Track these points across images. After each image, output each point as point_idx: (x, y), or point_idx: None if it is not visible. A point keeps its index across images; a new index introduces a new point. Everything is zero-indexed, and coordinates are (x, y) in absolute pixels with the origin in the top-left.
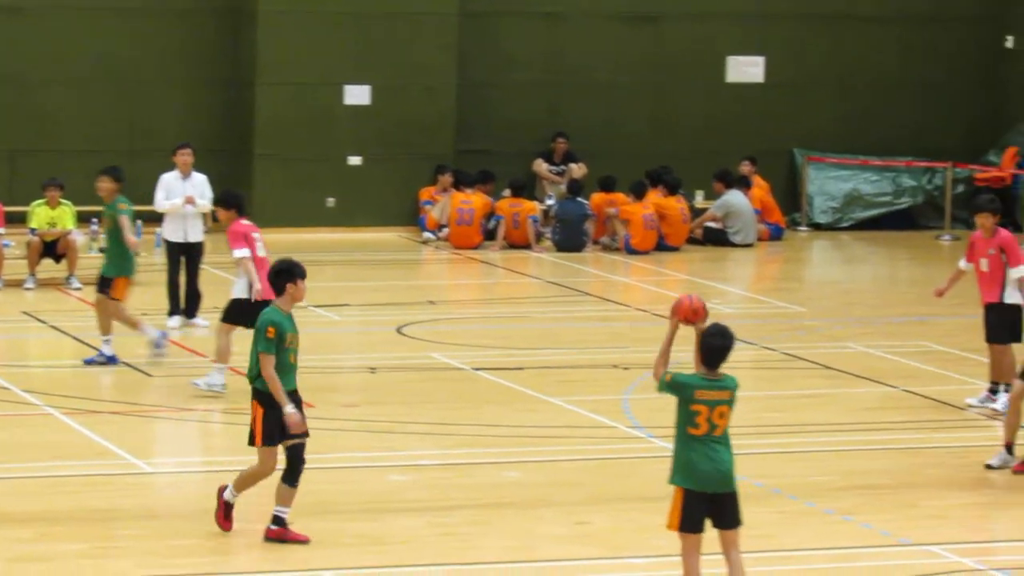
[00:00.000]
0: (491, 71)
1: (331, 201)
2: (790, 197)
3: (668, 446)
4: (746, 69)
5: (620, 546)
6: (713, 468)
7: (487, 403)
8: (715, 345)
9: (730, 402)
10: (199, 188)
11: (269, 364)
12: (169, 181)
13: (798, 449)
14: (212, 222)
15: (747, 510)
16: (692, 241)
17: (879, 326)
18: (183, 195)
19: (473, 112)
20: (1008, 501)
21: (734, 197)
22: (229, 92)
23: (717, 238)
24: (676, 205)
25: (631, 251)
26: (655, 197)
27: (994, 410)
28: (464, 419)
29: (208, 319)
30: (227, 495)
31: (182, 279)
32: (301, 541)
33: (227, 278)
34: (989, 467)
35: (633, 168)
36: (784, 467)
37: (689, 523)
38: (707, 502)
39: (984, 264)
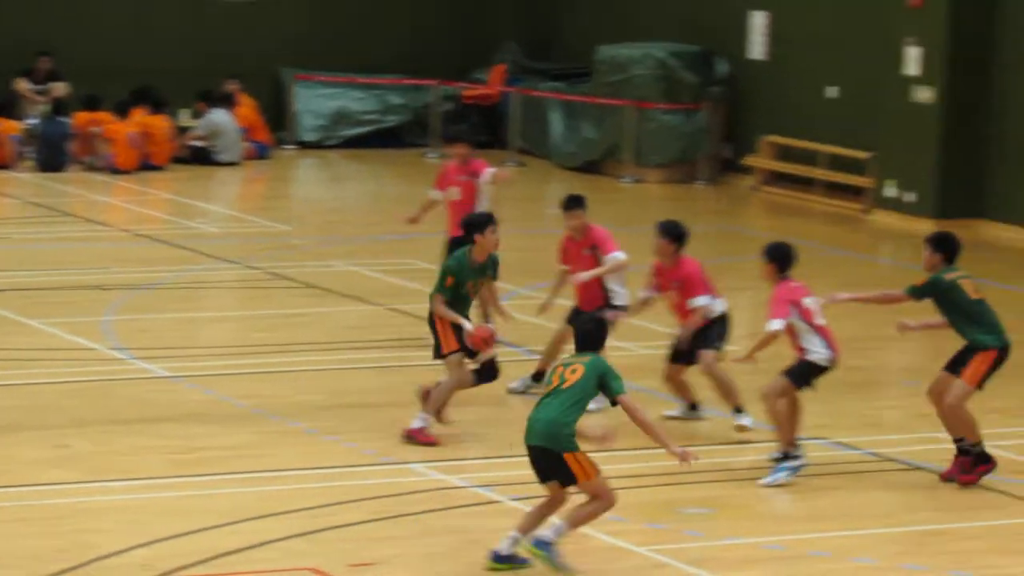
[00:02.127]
0: None
1: None
2: (277, 115)
3: (150, 367)
4: None
5: (100, 469)
6: (533, 419)
7: None
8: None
9: (585, 364)
10: None
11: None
12: None
13: (282, 369)
14: None
15: (230, 431)
16: (178, 160)
17: (364, 244)
18: None
19: None
20: (498, 418)
21: (218, 116)
22: None
23: (202, 157)
24: (161, 123)
25: (115, 170)
26: (140, 116)
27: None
28: None
29: None
30: (421, 423)
31: None
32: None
33: None
34: (512, 391)
35: (117, 86)
36: (267, 387)
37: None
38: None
39: (455, 192)
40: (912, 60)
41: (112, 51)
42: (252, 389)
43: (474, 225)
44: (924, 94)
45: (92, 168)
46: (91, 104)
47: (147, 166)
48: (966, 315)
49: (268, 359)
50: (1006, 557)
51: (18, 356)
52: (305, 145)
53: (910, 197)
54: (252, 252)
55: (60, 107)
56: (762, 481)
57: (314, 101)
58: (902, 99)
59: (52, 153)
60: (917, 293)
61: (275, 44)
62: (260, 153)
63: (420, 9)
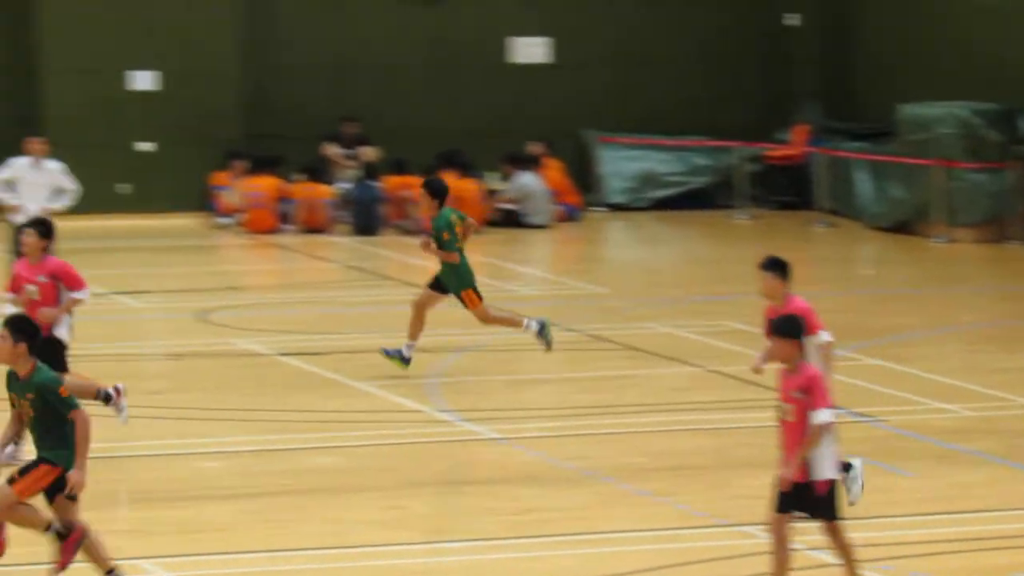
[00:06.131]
0: (277, 54)
1: (124, 187)
2: (581, 178)
3: (478, 429)
4: (530, 50)
5: (436, 530)
6: None
7: (292, 388)
8: None
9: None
10: None
11: None
12: None
13: (607, 431)
14: None
15: (563, 493)
16: (489, 223)
17: (682, 305)
18: None
19: (262, 96)
20: None
21: (527, 178)
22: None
23: (513, 220)
24: (471, 187)
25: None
26: (450, 179)
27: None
28: (270, 405)
29: None
30: None
31: None
32: None
33: None
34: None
35: (422, 150)
36: (594, 449)
37: None
38: None
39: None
40: None
41: (415, 115)
42: (578, 451)
43: None
44: None
45: (405, 231)
46: (399, 168)
47: None
48: None
49: (592, 420)
50: None
51: (347, 418)
52: (614, 207)
53: None
54: (570, 314)
55: (371, 171)
56: None
57: (619, 163)
58: None
59: (365, 216)
60: None
61: (575, 106)
62: (570, 215)
63: (719, 70)
